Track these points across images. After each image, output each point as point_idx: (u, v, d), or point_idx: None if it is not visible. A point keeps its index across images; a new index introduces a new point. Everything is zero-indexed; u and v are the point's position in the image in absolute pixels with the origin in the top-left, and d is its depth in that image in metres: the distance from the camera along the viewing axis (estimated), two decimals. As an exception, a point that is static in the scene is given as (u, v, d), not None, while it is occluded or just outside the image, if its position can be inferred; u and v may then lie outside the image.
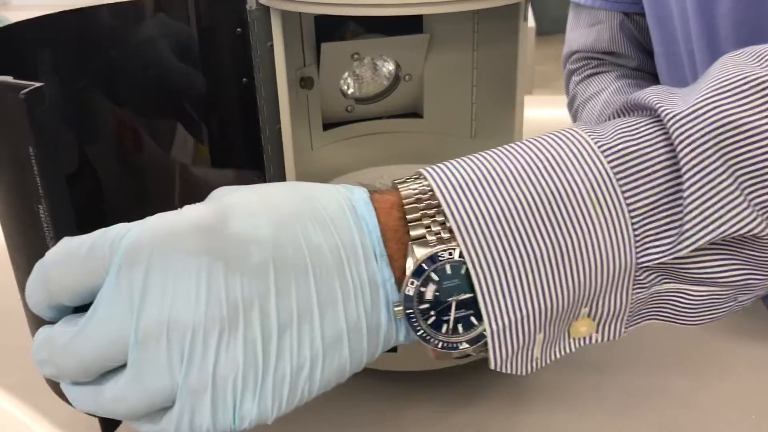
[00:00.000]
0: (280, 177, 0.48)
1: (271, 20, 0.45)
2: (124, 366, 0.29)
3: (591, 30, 0.80)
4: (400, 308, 0.31)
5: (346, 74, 0.56)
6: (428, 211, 0.31)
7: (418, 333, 0.31)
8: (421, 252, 0.30)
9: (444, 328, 0.31)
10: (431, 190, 0.31)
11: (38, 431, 0.45)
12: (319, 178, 0.56)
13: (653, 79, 0.76)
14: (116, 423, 0.36)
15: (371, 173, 0.57)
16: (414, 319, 0.31)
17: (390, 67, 0.58)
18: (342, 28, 0.54)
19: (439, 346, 0.32)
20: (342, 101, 0.58)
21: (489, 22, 0.54)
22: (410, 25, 0.56)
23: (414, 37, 0.56)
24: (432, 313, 0.31)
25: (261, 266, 0.29)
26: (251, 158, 0.49)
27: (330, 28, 0.54)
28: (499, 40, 0.53)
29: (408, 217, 0.31)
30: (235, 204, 0.31)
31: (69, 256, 0.29)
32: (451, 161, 0.33)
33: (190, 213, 0.30)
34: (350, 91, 0.57)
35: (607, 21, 0.77)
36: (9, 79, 0.30)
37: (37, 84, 0.30)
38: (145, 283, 0.28)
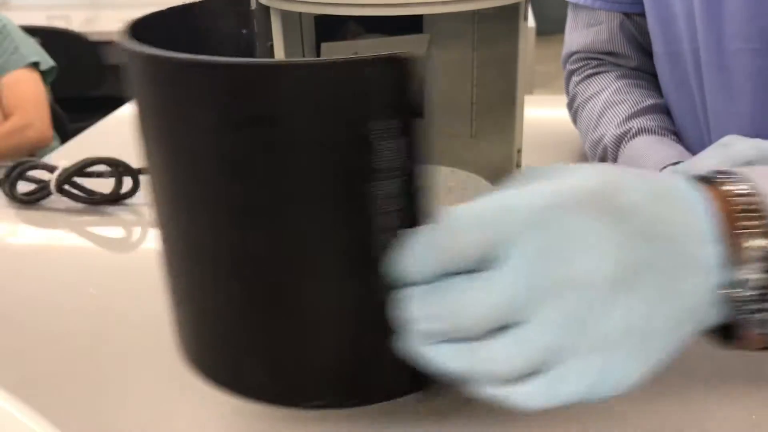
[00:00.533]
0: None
1: (271, 20, 0.45)
2: (504, 329, 0.30)
3: (590, 30, 0.80)
4: (728, 291, 0.32)
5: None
6: (757, 207, 0.32)
7: (740, 316, 0.32)
8: (758, 242, 0.32)
9: (761, 317, 0.32)
10: (755, 191, 0.33)
11: (38, 431, 0.45)
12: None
13: (653, 79, 0.76)
14: (432, 381, 0.35)
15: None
16: (740, 304, 0.32)
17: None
18: (342, 28, 0.54)
19: (756, 332, 0.33)
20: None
21: (489, 22, 0.54)
22: (410, 25, 0.56)
23: (414, 37, 0.56)
24: (757, 301, 0.32)
25: (637, 235, 0.31)
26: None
27: (330, 28, 0.54)
28: (499, 40, 0.53)
29: (742, 208, 0.33)
30: (613, 177, 0.33)
31: (469, 222, 0.31)
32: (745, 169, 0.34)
33: (577, 182, 0.32)
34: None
35: (607, 21, 0.78)
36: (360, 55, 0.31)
37: (406, 54, 0.30)
38: (548, 243, 0.30)
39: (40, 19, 2.65)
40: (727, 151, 0.49)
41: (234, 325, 0.37)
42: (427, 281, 0.32)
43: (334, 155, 0.32)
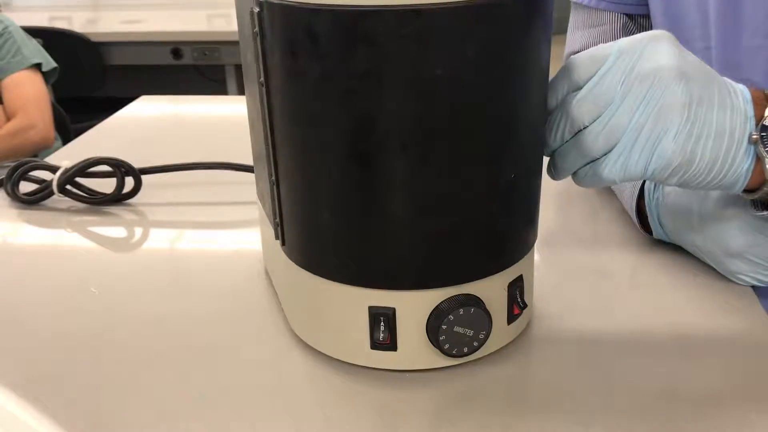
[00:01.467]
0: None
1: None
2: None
3: (592, 31, 0.80)
4: (756, 135, 0.45)
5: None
6: None
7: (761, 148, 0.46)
8: None
9: None
10: None
11: (38, 431, 0.45)
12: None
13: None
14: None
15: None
16: (765, 144, 0.46)
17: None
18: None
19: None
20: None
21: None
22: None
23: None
24: None
25: (698, 66, 0.46)
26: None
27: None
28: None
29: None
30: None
31: (588, 56, 0.46)
32: None
33: (653, 32, 0.47)
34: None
35: (610, 23, 0.78)
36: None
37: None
38: (634, 59, 0.45)
39: (42, 20, 2.65)
40: None
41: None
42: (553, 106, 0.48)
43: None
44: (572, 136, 0.47)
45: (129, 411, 0.46)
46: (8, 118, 1.69)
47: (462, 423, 0.44)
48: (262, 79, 0.44)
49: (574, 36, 0.83)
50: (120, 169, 0.74)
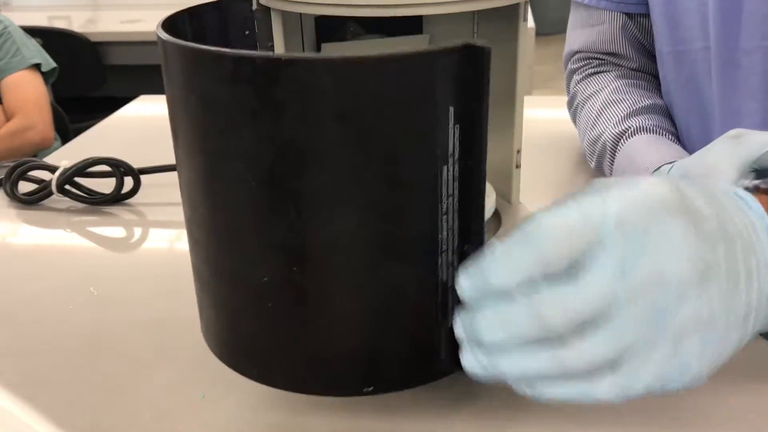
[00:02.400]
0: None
1: (272, 21, 0.45)
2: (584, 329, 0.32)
3: (592, 30, 0.80)
4: None
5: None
6: None
7: None
8: None
9: None
10: None
11: (38, 431, 0.45)
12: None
13: (653, 80, 0.76)
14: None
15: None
16: None
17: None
18: (342, 29, 0.54)
19: None
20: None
21: (489, 23, 0.54)
22: (410, 25, 0.56)
23: (414, 38, 0.56)
24: None
25: (713, 235, 0.34)
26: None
27: (330, 28, 0.54)
28: (499, 41, 0.53)
29: None
30: (678, 184, 0.35)
31: (557, 234, 0.32)
32: None
33: (649, 188, 0.34)
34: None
35: (609, 22, 0.78)
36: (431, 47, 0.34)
37: (484, 45, 0.33)
38: (633, 245, 0.32)
39: (41, 20, 2.65)
40: (738, 143, 0.50)
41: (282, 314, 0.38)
42: (509, 289, 0.33)
43: (409, 143, 0.34)
44: (535, 341, 0.34)
45: (129, 411, 0.46)
46: (8, 119, 1.69)
47: (462, 423, 0.44)
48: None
49: (573, 35, 0.83)
50: (119, 169, 0.74)
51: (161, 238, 0.69)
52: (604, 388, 0.33)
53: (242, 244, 0.37)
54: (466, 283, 0.34)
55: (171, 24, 0.40)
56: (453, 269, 0.37)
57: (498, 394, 0.46)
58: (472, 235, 0.37)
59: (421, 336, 0.39)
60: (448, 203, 0.36)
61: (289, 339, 0.38)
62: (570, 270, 0.32)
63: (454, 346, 0.37)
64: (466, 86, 0.34)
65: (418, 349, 0.39)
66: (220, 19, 0.47)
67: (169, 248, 0.67)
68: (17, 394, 0.48)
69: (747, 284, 0.34)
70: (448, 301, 0.38)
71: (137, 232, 0.71)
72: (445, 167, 0.35)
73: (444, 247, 0.37)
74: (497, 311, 0.34)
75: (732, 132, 0.52)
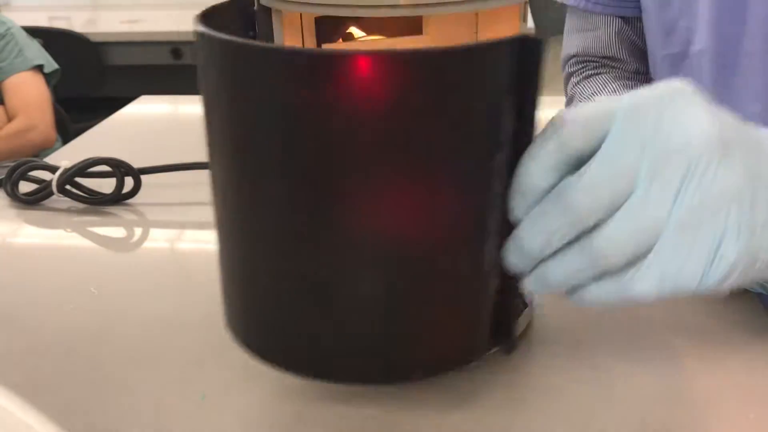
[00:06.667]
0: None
1: (272, 21, 0.45)
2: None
3: (588, 34, 0.80)
4: None
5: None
6: None
7: None
8: None
9: None
10: None
11: (38, 431, 0.45)
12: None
13: (650, 82, 0.76)
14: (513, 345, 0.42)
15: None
16: None
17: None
18: (342, 29, 0.55)
19: None
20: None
21: (489, 23, 0.54)
22: (410, 25, 0.56)
23: (414, 38, 0.56)
24: None
25: (727, 121, 0.34)
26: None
27: (330, 28, 0.54)
28: (498, 41, 0.54)
29: None
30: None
31: (581, 119, 0.33)
32: None
33: (667, 83, 0.35)
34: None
35: (605, 26, 0.78)
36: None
37: (536, 36, 0.34)
38: (654, 119, 0.32)
39: (41, 20, 2.65)
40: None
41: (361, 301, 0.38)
42: (545, 183, 0.34)
43: (465, 137, 0.35)
44: (574, 240, 0.34)
45: (129, 411, 0.46)
46: (10, 119, 1.69)
47: (462, 424, 0.44)
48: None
49: (569, 39, 0.83)
50: (119, 169, 0.74)
51: (161, 238, 0.69)
52: (640, 282, 0.33)
53: (292, 237, 0.37)
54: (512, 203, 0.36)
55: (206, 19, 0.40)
56: (498, 253, 0.38)
57: (501, 392, 0.46)
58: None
59: (469, 318, 0.40)
60: (499, 187, 0.36)
61: (326, 327, 0.39)
62: (596, 160, 0.33)
63: (497, 326, 0.39)
64: (521, 77, 0.34)
65: (466, 331, 0.41)
66: (245, 17, 0.47)
67: (169, 248, 0.67)
68: (17, 394, 0.48)
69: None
70: (490, 284, 0.39)
71: (137, 232, 0.71)
72: (498, 155, 0.35)
73: (491, 231, 0.37)
74: (532, 216, 0.34)
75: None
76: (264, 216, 0.37)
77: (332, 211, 0.36)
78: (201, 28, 0.36)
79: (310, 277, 0.38)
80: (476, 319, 0.40)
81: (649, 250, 0.32)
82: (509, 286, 0.39)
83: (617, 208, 0.32)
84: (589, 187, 0.32)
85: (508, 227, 0.37)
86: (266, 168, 0.36)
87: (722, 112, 0.34)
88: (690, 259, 0.32)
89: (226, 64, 0.36)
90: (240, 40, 0.35)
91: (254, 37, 0.47)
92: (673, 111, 0.33)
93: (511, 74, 0.34)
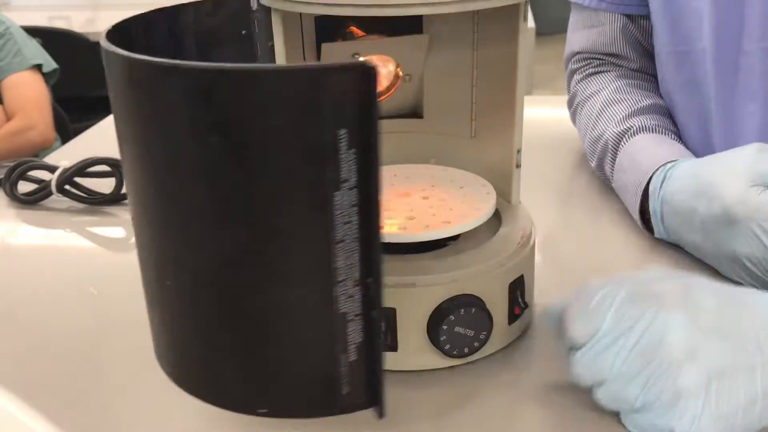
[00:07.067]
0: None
1: (272, 21, 0.45)
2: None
3: (592, 31, 0.79)
4: None
5: (347, 74, 0.56)
6: None
7: None
8: None
9: None
10: None
11: (38, 431, 0.45)
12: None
13: (654, 80, 0.76)
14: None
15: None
16: None
17: (390, 67, 0.58)
18: (342, 29, 0.54)
19: None
20: (342, 101, 0.58)
21: (489, 23, 0.54)
22: (410, 25, 0.56)
23: (414, 38, 0.56)
24: None
25: (711, 329, 0.41)
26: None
27: (330, 28, 0.54)
28: (499, 40, 0.53)
29: None
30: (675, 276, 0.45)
31: (583, 312, 0.43)
32: None
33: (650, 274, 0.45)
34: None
35: (609, 23, 0.77)
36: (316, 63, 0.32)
37: (370, 64, 0.30)
38: (639, 331, 0.41)
39: (41, 20, 2.65)
40: (760, 156, 0.53)
41: (196, 332, 0.38)
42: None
43: (295, 162, 0.32)
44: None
45: (129, 411, 0.46)
46: (8, 119, 1.69)
47: (462, 424, 0.44)
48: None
49: (573, 36, 0.83)
50: (119, 169, 0.74)
51: (161, 238, 0.69)
52: (625, 421, 0.43)
53: (153, 258, 0.38)
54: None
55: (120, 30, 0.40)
56: (354, 302, 0.35)
57: (499, 394, 0.46)
58: (375, 267, 0.35)
59: (317, 367, 0.37)
60: (344, 231, 0.34)
61: (195, 354, 0.39)
62: (587, 346, 0.42)
63: (359, 382, 0.36)
64: (354, 107, 0.31)
65: (315, 379, 0.37)
66: (171, 26, 0.46)
67: (169, 248, 0.67)
68: (17, 394, 0.48)
69: (753, 368, 0.40)
70: (348, 335, 0.36)
71: (137, 232, 0.71)
72: (338, 192, 0.33)
73: (341, 277, 0.34)
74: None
75: (756, 144, 0.55)
76: (139, 238, 0.39)
77: (179, 232, 0.35)
78: (105, 42, 0.36)
79: (165, 310, 0.38)
80: (330, 370, 0.37)
81: (623, 411, 0.42)
82: (373, 344, 0.36)
83: (602, 383, 0.42)
84: (577, 364, 0.43)
85: (363, 283, 0.35)
86: (137, 183, 0.36)
87: (703, 311, 0.42)
88: (654, 428, 0.41)
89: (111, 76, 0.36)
90: (115, 51, 0.34)
91: (249, 36, 0.47)
92: (655, 321, 0.41)
93: (343, 103, 0.31)
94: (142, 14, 0.43)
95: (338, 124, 0.31)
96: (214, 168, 0.33)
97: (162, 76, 0.32)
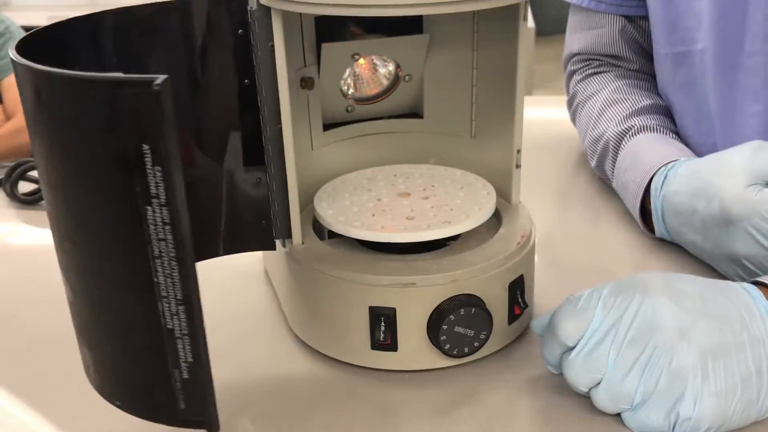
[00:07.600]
0: (281, 177, 0.48)
1: (272, 21, 0.45)
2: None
3: (591, 32, 0.79)
4: None
5: (347, 74, 0.57)
6: None
7: None
8: None
9: None
10: None
11: (38, 431, 0.45)
12: (320, 177, 0.56)
13: (653, 80, 0.76)
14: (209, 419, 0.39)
15: (371, 173, 0.57)
16: None
17: (390, 67, 0.58)
18: (342, 29, 0.54)
19: None
20: (342, 101, 0.58)
21: (489, 23, 0.54)
22: (410, 25, 0.56)
23: (414, 38, 0.56)
24: None
25: (697, 310, 0.42)
26: (252, 158, 0.49)
27: (330, 28, 0.54)
28: (499, 40, 0.53)
29: None
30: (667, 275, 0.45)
31: (572, 311, 0.43)
32: None
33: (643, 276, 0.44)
34: (350, 91, 0.58)
35: (608, 25, 0.77)
36: (119, 74, 0.32)
37: (163, 76, 0.30)
38: (628, 318, 0.42)
39: (41, 20, 2.65)
40: (759, 154, 0.53)
41: (80, 333, 0.42)
42: (552, 362, 0.46)
43: (109, 168, 0.33)
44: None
45: (128, 411, 0.46)
46: (8, 119, 1.69)
47: (462, 423, 0.44)
48: None
49: (572, 38, 0.83)
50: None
51: (161, 238, 0.69)
52: (627, 421, 0.43)
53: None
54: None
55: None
56: (180, 321, 0.35)
57: (499, 394, 0.46)
58: (190, 286, 0.35)
59: (155, 375, 0.38)
60: (159, 247, 0.34)
61: (83, 353, 0.42)
62: (579, 346, 0.43)
63: (194, 400, 0.37)
64: (150, 123, 0.31)
65: (153, 387, 0.38)
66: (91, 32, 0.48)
67: (169, 248, 0.67)
68: (17, 394, 0.48)
69: (743, 346, 0.41)
70: (179, 352, 0.36)
71: (137, 232, 0.71)
72: (149, 208, 0.33)
73: (164, 293, 0.35)
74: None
75: (754, 142, 0.55)
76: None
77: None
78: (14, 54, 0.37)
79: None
80: (162, 385, 0.37)
81: (625, 409, 0.42)
82: (201, 365, 0.36)
83: (597, 383, 0.43)
84: (570, 366, 0.43)
85: (192, 298, 0.35)
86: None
87: (684, 295, 0.43)
88: (657, 415, 0.41)
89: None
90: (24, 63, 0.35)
91: (245, 36, 0.47)
92: (637, 307, 0.42)
93: (140, 118, 0.31)
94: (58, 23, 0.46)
95: (140, 138, 0.32)
96: (46, 165, 0.36)
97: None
